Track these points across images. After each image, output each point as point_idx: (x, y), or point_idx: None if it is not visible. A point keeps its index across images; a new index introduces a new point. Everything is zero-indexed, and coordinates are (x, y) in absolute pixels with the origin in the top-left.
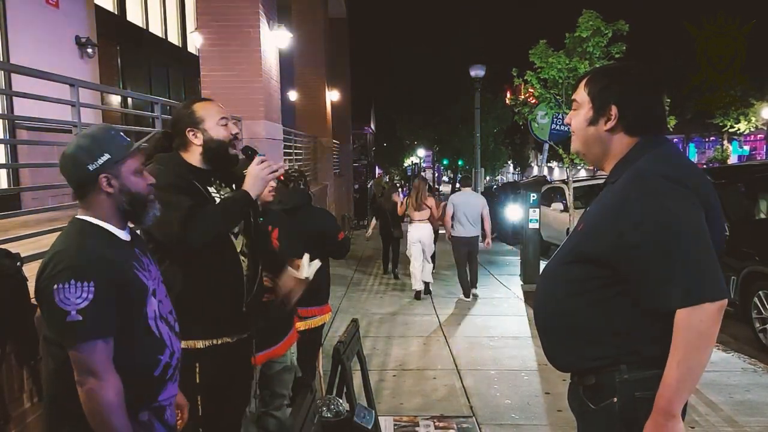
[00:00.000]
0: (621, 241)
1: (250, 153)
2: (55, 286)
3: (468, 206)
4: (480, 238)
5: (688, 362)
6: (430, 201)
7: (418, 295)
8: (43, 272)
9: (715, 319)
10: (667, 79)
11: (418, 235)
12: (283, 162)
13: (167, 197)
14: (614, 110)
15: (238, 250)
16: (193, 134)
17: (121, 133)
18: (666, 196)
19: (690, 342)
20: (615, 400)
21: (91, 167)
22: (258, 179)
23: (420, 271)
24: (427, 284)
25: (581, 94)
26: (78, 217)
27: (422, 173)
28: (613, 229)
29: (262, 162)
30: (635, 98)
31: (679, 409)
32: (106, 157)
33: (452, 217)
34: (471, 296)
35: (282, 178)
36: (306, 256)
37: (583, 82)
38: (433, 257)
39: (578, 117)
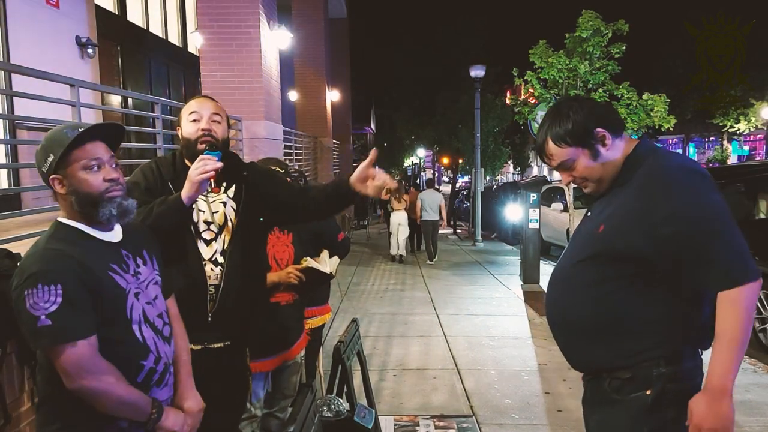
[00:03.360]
0: (656, 235)
1: (205, 152)
2: (26, 293)
3: (430, 200)
4: (440, 222)
5: (739, 339)
6: (406, 197)
7: (393, 258)
8: (16, 281)
9: (756, 296)
10: (667, 78)
11: (398, 219)
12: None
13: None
14: (601, 131)
15: (208, 257)
16: (179, 132)
17: (77, 129)
18: (692, 185)
19: (739, 320)
20: (648, 392)
21: (44, 170)
22: (188, 181)
23: (397, 242)
24: (401, 255)
25: (560, 152)
26: (56, 219)
27: (422, 173)
28: (644, 224)
29: (200, 162)
30: (599, 111)
31: (732, 386)
32: (51, 158)
33: (421, 208)
34: (430, 261)
35: (215, 188)
36: (325, 252)
37: (550, 146)
38: (411, 236)
39: (580, 165)
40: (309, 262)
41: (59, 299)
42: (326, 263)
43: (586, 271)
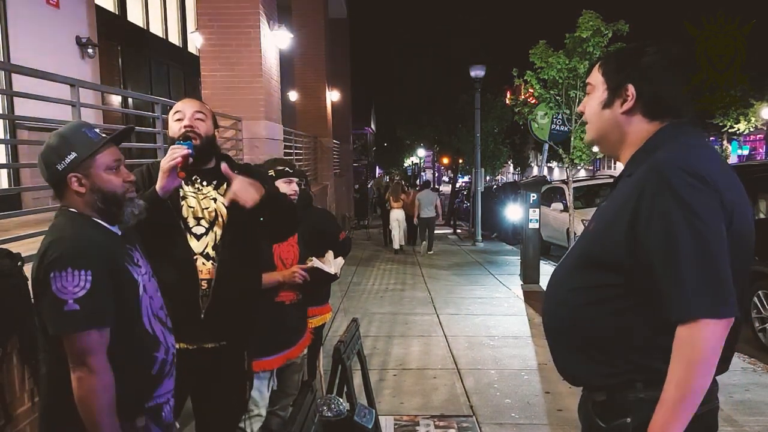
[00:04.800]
0: (635, 243)
1: (176, 143)
2: (52, 274)
3: (427, 199)
4: (436, 218)
5: (690, 384)
6: (403, 196)
7: (396, 251)
8: (41, 261)
9: (720, 338)
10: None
11: (396, 215)
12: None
13: None
14: (631, 90)
15: (199, 251)
16: (168, 135)
17: (95, 129)
18: (680, 193)
19: (692, 361)
20: (628, 420)
21: (59, 167)
22: (160, 172)
23: (398, 236)
24: (401, 246)
25: (595, 76)
26: (67, 209)
27: (422, 173)
28: (628, 229)
29: (170, 151)
30: (654, 77)
31: None
32: (73, 155)
33: (419, 206)
34: (426, 252)
35: (181, 172)
36: (330, 253)
37: (598, 64)
38: (410, 231)
39: (592, 101)
40: (314, 262)
41: (88, 285)
42: (331, 264)
43: (572, 273)
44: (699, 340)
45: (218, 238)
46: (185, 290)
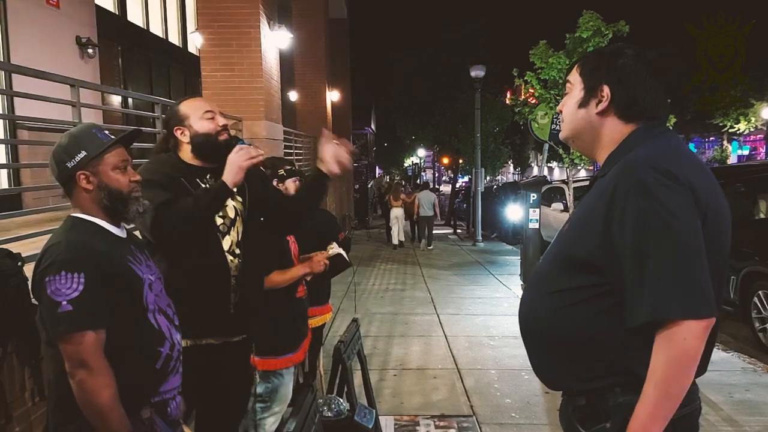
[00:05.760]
0: (610, 243)
1: (233, 143)
2: (47, 278)
3: (426, 199)
4: (435, 216)
5: (668, 384)
6: (404, 196)
7: (394, 246)
8: (37, 267)
9: (701, 338)
10: (670, 66)
11: (396, 213)
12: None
13: (143, 193)
14: (606, 90)
15: (227, 249)
16: (181, 132)
17: (105, 131)
18: (654, 192)
19: (672, 363)
20: (608, 425)
21: (69, 165)
22: (234, 166)
23: (397, 232)
24: (401, 242)
25: (573, 75)
26: (71, 214)
27: (422, 173)
28: (603, 229)
29: (241, 150)
30: (629, 79)
31: None
32: (83, 154)
33: (419, 206)
34: (426, 248)
35: (263, 167)
36: (334, 244)
37: (577, 64)
38: (412, 228)
39: (569, 99)
40: (335, 249)
41: (81, 287)
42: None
43: (550, 276)
44: (679, 342)
45: (240, 234)
46: (218, 288)
